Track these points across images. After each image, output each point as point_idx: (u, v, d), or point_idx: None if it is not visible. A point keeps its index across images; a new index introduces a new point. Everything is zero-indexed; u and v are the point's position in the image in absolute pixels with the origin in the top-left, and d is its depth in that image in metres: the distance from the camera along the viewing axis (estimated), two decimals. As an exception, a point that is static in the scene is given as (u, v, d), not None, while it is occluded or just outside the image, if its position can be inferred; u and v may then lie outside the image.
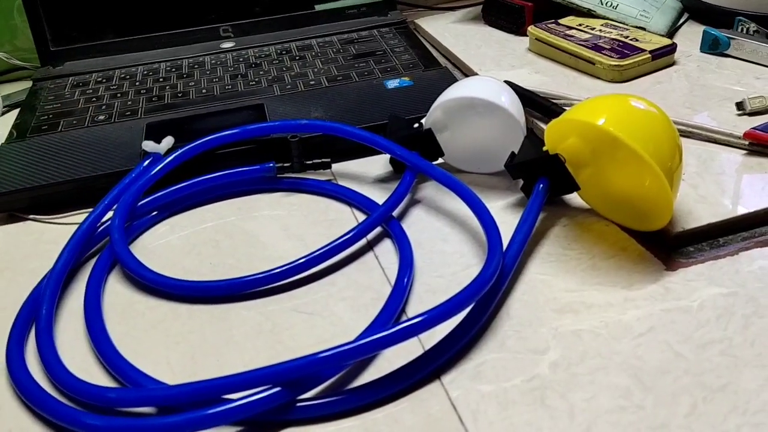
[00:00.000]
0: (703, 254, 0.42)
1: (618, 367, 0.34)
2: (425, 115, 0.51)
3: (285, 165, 0.51)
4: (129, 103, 0.63)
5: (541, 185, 0.44)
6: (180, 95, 0.64)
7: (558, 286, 0.40)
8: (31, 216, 0.50)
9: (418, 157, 0.48)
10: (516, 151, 0.46)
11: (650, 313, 0.38)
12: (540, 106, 0.56)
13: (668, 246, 0.43)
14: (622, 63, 0.61)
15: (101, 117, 0.61)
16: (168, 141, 0.52)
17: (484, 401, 0.33)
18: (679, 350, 0.35)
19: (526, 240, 0.41)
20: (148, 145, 0.51)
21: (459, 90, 0.50)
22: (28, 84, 0.72)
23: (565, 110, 0.49)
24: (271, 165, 0.51)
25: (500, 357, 0.35)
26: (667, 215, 0.41)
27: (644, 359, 0.35)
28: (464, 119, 0.51)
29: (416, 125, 0.51)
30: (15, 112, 0.66)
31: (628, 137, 0.39)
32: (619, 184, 0.45)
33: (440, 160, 0.52)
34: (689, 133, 0.52)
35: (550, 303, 0.39)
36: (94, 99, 0.65)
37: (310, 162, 0.51)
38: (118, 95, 0.65)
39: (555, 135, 0.44)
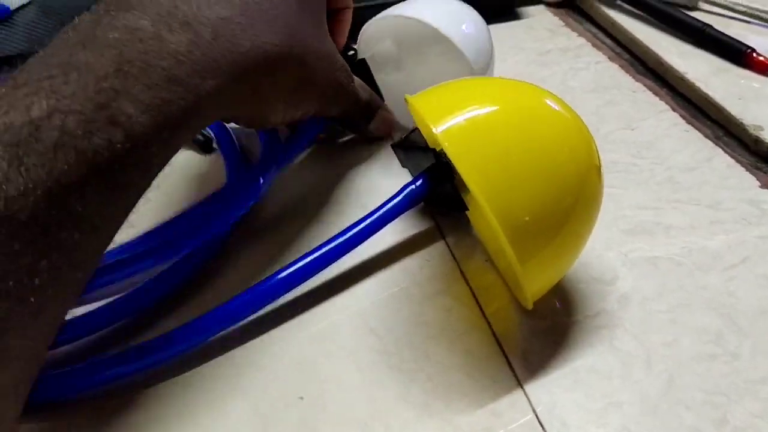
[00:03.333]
0: (808, 170, 0.34)
1: (706, 304, 0.27)
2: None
3: None
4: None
5: (416, 184, 0.28)
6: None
7: (627, 201, 0.32)
8: None
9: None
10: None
11: (743, 240, 0.30)
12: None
13: (764, 157, 0.35)
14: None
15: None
16: None
17: (535, 338, 0.26)
18: (784, 287, 0.28)
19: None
20: None
21: (416, 9, 0.34)
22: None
23: None
24: None
25: (558, 287, 0.28)
26: (525, 296, 0.25)
27: (738, 296, 0.28)
28: (417, 56, 0.36)
29: (351, 52, 0.36)
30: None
31: (463, 158, 0.22)
32: (485, 224, 0.29)
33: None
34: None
35: (618, 222, 0.31)
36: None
37: None
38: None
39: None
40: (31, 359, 0.19)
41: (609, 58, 0.45)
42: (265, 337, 0.26)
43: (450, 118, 0.23)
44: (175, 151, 0.22)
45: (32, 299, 0.17)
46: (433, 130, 0.22)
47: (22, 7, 0.48)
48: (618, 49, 0.46)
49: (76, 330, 0.25)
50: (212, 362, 0.25)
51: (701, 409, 0.24)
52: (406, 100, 0.26)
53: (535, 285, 0.23)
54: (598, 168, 0.24)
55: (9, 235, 0.17)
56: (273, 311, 0.27)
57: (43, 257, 0.17)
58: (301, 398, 0.24)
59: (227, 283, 0.28)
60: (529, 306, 0.24)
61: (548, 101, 0.25)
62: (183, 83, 0.21)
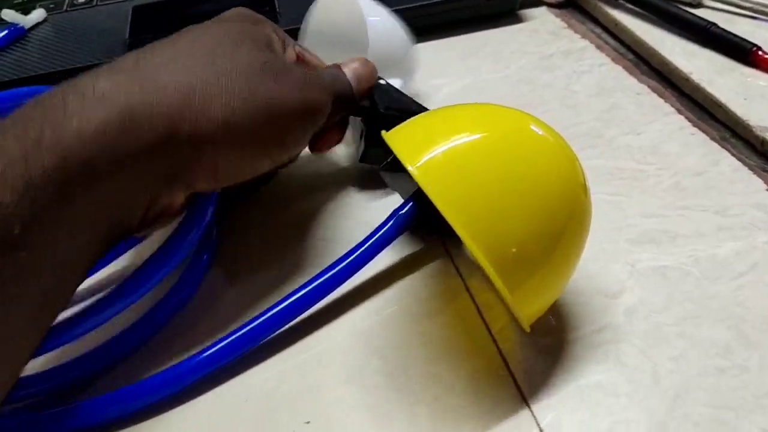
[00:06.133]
0: (817, 171, 0.33)
1: (714, 315, 0.27)
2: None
3: None
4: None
5: (404, 210, 0.28)
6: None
7: (633, 209, 0.32)
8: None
9: None
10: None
11: (753, 246, 0.30)
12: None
13: (772, 160, 0.34)
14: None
15: (81, 0, 0.52)
16: (39, 14, 0.47)
17: (541, 355, 0.26)
18: (793, 296, 0.27)
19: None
20: (8, 15, 0.45)
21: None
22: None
23: None
24: None
25: (562, 301, 0.28)
26: (522, 319, 0.24)
27: (747, 306, 0.27)
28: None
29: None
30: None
31: (442, 196, 0.22)
32: None
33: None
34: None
35: (623, 231, 0.31)
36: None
37: None
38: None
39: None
40: None
41: (613, 59, 0.44)
42: (270, 361, 0.26)
43: (427, 152, 0.23)
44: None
45: None
46: (409, 168, 0.22)
47: (36, 25, 0.48)
48: (622, 50, 0.46)
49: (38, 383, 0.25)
50: (218, 389, 0.26)
51: (709, 426, 0.23)
52: (382, 136, 0.26)
53: (529, 309, 0.23)
54: (584, 186, 0.24)
55: None
56: (278, 335, 0.27)
57: None
58: (308, 423, 0.24)
59: (211, 321, 0.29)
60: (527, 329, 0.24)
61: (531, 126, 0.24)
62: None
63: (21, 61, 0.44)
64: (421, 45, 0.47)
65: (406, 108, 0.32)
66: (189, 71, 0.23)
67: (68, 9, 0.51)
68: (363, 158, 0.33)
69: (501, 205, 0.22)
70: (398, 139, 0.25)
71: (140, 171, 0.22)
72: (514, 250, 0.21)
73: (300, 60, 0.30)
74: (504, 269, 0.21)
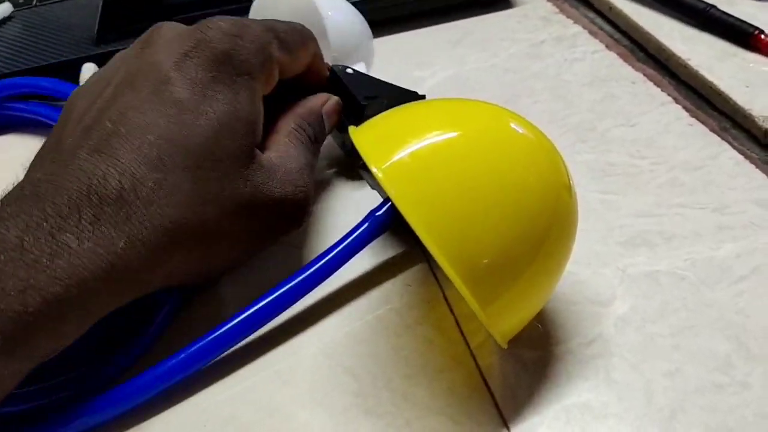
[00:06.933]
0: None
1: (712, 325, 0.25)
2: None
3: None
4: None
5: (380, 211, 0.26)
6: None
7: (626, 208, 0.30)
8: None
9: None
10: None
11: (754, 248, 0.28)
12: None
13: (775, 152, 0.32)
14: None
15: (50, -7, 0.50)
16: (5, 8, 0.45)
17: (524, 371, 0.24)
18: (798, 302, 0.25)
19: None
20: None
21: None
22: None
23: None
24: None
25: (547, 309, 0.26)
26: (497, 336, 0.21)
27: (748, 314, 0.25)
28: None
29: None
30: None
31: (407, 201, 0.20)
32: None
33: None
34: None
35: (615, 232, 0.29)
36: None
37: None
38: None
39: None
40: None
41: (607, 46, 0.42)
42: (228, 380, 0.24)
43: (394, 153, 0.20)
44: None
45: None
46: (373, 171, 0.20)
47: (4, 21, 0.46)
48: (617, 36, 0.43)
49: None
50: (172, 409, 0.24)
51: (707, 449, 0.21)
52: (349, 132, 0.24)
53: (504, 326, 0.21)
54: (569, 187, 0.22)
55: None
56: (238, 350, 0.25)
57: None
58: (270, 450, 0.22)
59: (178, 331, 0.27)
60: (504, 345, 0.22)
61: (510, 124, 0.22)
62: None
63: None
64: (404, 34, 0.45)
65: (386, 92, 0.30)
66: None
67: (37, 3, 0.49)
68: (351, 152, 0.31)
69: (473, 210, 0.20)
70: (365, 137, 0.23)
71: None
72: (486, 260, 0.19)
73: (312, 71, 0.29)
74: (474, 282, 0.19)
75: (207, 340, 0.24)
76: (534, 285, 0.21)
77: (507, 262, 0.20)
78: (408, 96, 0.31)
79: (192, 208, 0.22)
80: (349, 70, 0.31)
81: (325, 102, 0.29)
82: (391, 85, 0.32)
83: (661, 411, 0.22)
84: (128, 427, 0.23)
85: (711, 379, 0.23)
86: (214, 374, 0.24)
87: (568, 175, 0.22)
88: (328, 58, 0.32)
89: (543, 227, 0.21)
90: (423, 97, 0.32)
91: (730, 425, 0.22)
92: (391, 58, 0.42)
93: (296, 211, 0.26)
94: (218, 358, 0.24)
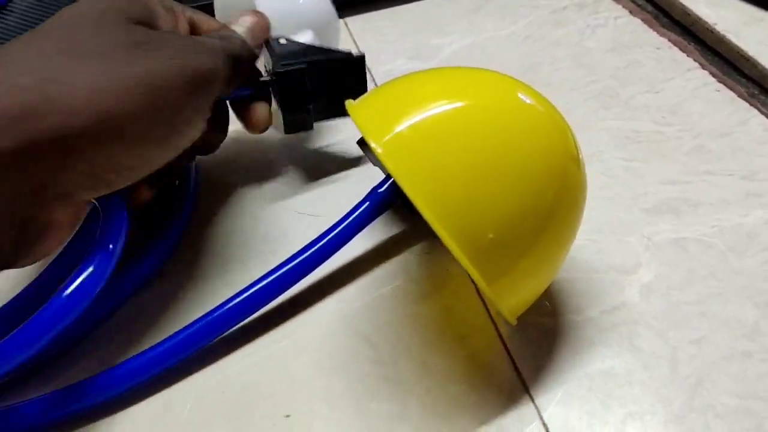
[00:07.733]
0: None
1: (739, 293, 0.24)
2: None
3: None
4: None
5: (382, 188, 0.25)
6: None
7: (651, 175, 0.29)
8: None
9: None
10: None
11: (784, 214, 0.27)
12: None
13: (807, 118, 0.31)
14: None
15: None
16: None
17: (546, 339, 0.23)
18: (831, 269, 0.24)
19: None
20: None
21: None
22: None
23: None
24: None
25: (569, 278, 0.25)
26: (504, 313, 0.20)
27: (778, 282, 0.25)
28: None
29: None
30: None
31: (409, 176, 0.19)
32: None
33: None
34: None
35: (640, 200, 0.28)
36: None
37: None
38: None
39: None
40: None
41: (630, 11, 0.41)
42: (247, 348, 0.24)
43: (393, 127, 0.20)
44: None
45: None
46: (372, 146, 0.19)
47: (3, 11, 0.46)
48: (640, 1, 0.42)
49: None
50: (191, 378, 0.23)
51: (734, 417, 0.21)
52: (346, 106, 0.23)
53: (512, 301, 0.20)
54: (576, 159, 0.21)
55: None
56: (257, 319, 0.25)
57: None
58: (288, 416, 0.22)
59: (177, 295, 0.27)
60: (513, 322, 0.21)
61: (518, 94, 0.21)
62: None
63: (2, 31, 0.42)
64: (422, 3, 0.44)
65: (313, 59, 0.28)
66: (42, 56, 0.19)
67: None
68: (288, 129, 0.29)
69: (476, 184, 0.19)
70: (363, 110, 0.22)
71: None
72: (491, 235, 0.19)
73: (195, 30, 0.26)
74: (479, 258, 0.19)
75: (225, 308, 0.23)
76: (542, 258, 0.21)
77: (513, 237, 0.19)
78: (343, 63, 0.29)
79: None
80: (282, 41, 0.29)
81: (251, 16, 0.28)
82: (324, 49, 0.29)
83: (687, 379, 0.22)
84: (150, 395, 0.23)
85: (739, 346, 0.23)
86: (232, 343, 0.24)
87: (576, 147, 0.21)
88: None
89: (550, 200, 0.20)
90: (360, 58, 0.29)
91: (759, 393, 0.21)
92: (410, 26, 0.41)
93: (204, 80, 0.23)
94: (237, 326, 0.24)
